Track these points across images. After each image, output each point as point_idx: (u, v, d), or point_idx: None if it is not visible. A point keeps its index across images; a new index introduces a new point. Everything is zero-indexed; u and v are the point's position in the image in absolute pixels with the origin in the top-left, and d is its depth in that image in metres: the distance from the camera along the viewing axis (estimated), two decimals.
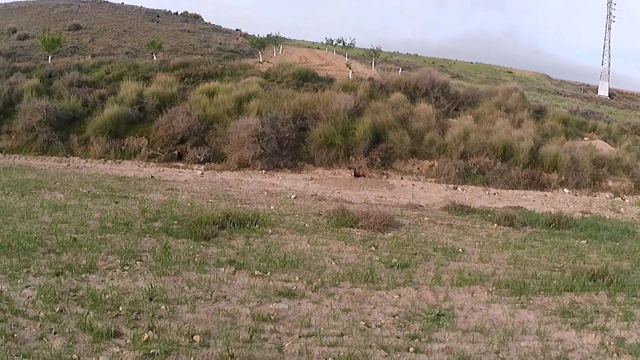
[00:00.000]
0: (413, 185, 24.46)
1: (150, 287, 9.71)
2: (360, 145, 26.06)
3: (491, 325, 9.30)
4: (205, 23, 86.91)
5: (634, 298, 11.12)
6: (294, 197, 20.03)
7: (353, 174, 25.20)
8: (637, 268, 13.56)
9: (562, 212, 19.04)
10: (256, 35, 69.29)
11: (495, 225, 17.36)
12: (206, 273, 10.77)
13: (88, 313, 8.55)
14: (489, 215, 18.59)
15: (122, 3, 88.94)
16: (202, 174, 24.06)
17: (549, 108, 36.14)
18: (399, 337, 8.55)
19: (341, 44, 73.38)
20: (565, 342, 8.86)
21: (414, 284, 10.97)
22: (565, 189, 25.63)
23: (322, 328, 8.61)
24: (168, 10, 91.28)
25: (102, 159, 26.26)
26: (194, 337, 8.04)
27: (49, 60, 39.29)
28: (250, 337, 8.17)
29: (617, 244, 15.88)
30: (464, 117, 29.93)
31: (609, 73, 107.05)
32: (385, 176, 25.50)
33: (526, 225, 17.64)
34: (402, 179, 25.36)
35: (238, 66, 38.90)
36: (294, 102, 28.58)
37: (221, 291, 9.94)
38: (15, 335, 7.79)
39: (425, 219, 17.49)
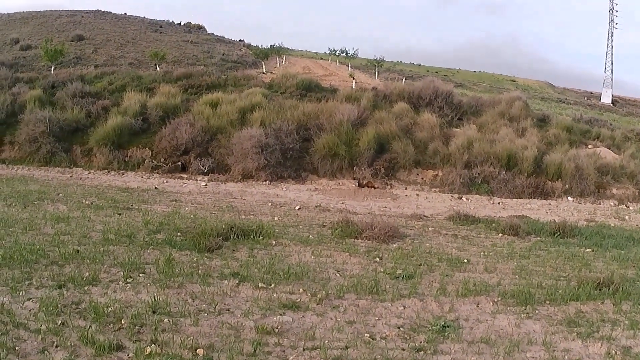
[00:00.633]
0: (417, 195, 24.38)
1: (153, 299, 9.60)
2: (364, 155, 25.99)
3: (497, 336, 9.22)
4: (209, 34, 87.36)
5: None
6: (298, 208, 19.97)
7: (357, 184, 25.11)
8: None
9: (566, 221, 18.96)
10: (259, 46, 69.46)
11: (500, 234, 17.30)
12: (210, 285, 10.66)
13: (90, 326, 8.46)
14: (493, 224, 18.53)
15: (125, 14, 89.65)
16: (206, 185, 24.01)
17: (553, 116, 36.13)
18: (404, 350, 8.46)
19: (344, 54, 73.41)
20: (571, 352, 8.78)
21: (419, 295, 10.89)
22: (569, 197, 25.56)
23: (326, 341, 8.53)
24: (171, 21, 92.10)
25: (106, 170, 26.21)
26: (197, 350, 7.94)
27: (52, 71, 39.37)
28: (254, 350, 8.08)
29: (623, 252, 15.79)
30: (467, 127, 29.88)
31: (611, 80, 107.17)
32: (389, 186, 25.43)
33: (531, 234, 17.56)
34: (406, 189, 25.29)
35: (241, 77, 38.96)
36: (298, 113, 28.58)
37: (225, 304, 9.85)
38: (16, 348, 7.70)
39: (430, 229, 17.44)
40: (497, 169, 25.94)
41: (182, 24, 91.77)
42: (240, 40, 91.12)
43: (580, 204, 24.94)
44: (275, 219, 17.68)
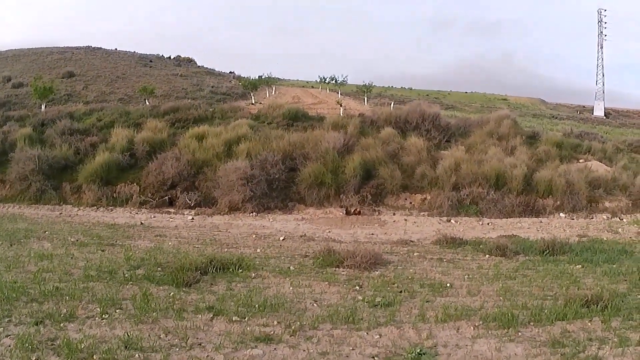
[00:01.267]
0: (405, 220, 24.13)
1: (126, 335, 9.54)
2: (351, 182, 25.85)
3: None
4: (199, 66, 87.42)
5: (630, 322, 10.84)
6: (282, 239, 19.78)
7: (344, 212, 24.92)
8: (634, 290, 13.30)
9: (556, 238, 18.83)
10: (249, 77, 69.49)
11: (487, 256, 17.13)
12: (184, 320, 10.55)
13: None
14: (480, 246, 18.40)
15: (116, 49, 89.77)
16: (193, 219, 23.84)
17: (543, 132, 36.03)
18: None
19: (334, 81, 73.47)
20: None
21: (397, 323, 10.71)
22: (561, 214, 25.37)
23: None
24: (161, 54, 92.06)
25: (95, 207, 26.04)
26: None
27: (43, 109, 39.32)
28: None
29: (614, 266, 15.68)
30: (455, 148, 29.65)
31: (603, 92, 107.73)
32: (377, 212, 25.21)
33: (519, 253, 17.41)
34: (394, 214, 25.04)
35: (228, 109, 38.98)
36: (284, 143, 28.47)
37: (197, 338, 9.72)
38: None
39: (415, 254, 17.28)
40: (486, 189, 25.72)
41: (172, 57, 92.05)
42: (230, 72, 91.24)
43: (573, 219, 24.76)
44: (258, 250, 17.53)
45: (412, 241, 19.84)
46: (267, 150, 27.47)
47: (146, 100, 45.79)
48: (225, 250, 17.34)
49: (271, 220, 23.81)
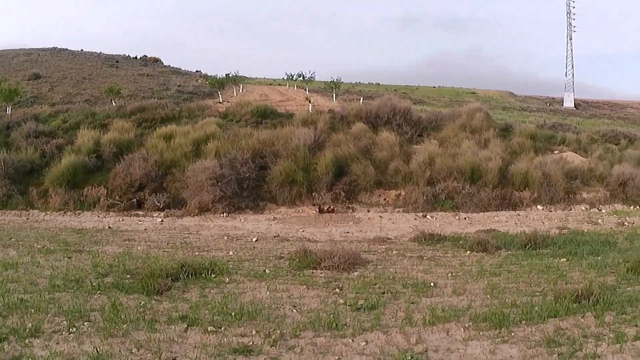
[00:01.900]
0: (380, 217, 23.72)
1: (96, 351, 8.92)
2: (323, 180, 25.33)
3: None
4: (165, 66, 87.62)
5: (624, 316, 10.55)
6: (255, 240, 19.16)
7: (317, 210, 24.39)
8: (622, 282, 13.08)
9: (537, 231, 18.66)
10: (215, 76, 69.02)
11: (468, 252, 16.74)
12: (156, 332, 9.91)
13: None
14: (460, 242, 18.05)
15: (82, 50, 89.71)
16: (162, 221, 23.12)
17: (516, 125, 36.29)
18: None
19: (301, 78, 73.12)
20: None
21: (383, 327, 10.18)
22: (538, 206, 25.29)
23: None
24: (127, 55, 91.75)
25: (62, 211, 25.18)
26: None
27: (8, 111, 38.48)
28: None
29: (599, 258, 15.49)
30: (428, 143, 29.45)
31: (573, 84, 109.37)
32: (351, 210, 24.75)
33: (501, 248, 17.07)
34: (368, 211, 24.60)
35: (195, 107, 38.44)
36: (253, 141, 27.87)
37: (171, 352, 9.10)
38: None
39: (394, 252, 16.81)
40: (461, 184, 25.48)
41: (138, 57, 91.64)
42: (196, 71, 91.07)
43: (551, 211, 24.72)
44: (231, 253, 16.90)
45: (389, 238, 19.41)
46: (236, 148, 26.86)
47: (112, 101, 45.15)
48: (197, 253, 16.69)
49: (242, 220, 23.19)
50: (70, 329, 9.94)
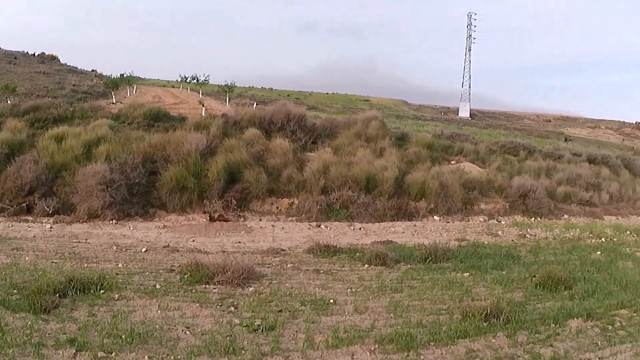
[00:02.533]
0: (273, 226, 22.87)
1: None
2: (214, 187, 24.23)
3: None
4: (62, 64, 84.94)
5: (537, 335, 10.25)
6: (145, 251, 17.90)
7: (208, 218, 23.32)
8: (531, 298, 12.84)
9: (437, 243, 18.14)
10: (110, 76, 67.55)
11: (367, 265, 16.06)
12: (43, 358, 8.85)
13: None
14: (357, 254, 17.35)
15: None
16: (51, 228, 21.40)
17: (412, 134, 36.30)
18: None
19: (195, 81, 72.28)
20: None
21: (283, 352, 9.39)
22: (435, 217, 25.04)
23: None
24: (26, 51, 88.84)
25: None
26: None
27: None
28: None
29: (504, 272, 15.28)
30: (322, 150, 28.85)
31: (469, 94, 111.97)
32: (242, 218, 23.78)
33: (400, 262, 16.50)
34: (260, 220, 23.70)
35: (89, 108, 36.68)
36: (144, 145, 26.52)
37: None
38: None
39: (289, 265, 15.94)
40: (356, 193, 24.91)
41: (36, 54, 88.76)
42: (92, 70, 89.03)
43: (448, 222, 24.53)
44: (119, 265, 15.57)
45: (283, 250, 18.57)
46: (127, 152, 25.45)
47: (8, 99, 42.93)
48: (86, 265, 15.26)
49: (132, 228, 21.82)
50: None
